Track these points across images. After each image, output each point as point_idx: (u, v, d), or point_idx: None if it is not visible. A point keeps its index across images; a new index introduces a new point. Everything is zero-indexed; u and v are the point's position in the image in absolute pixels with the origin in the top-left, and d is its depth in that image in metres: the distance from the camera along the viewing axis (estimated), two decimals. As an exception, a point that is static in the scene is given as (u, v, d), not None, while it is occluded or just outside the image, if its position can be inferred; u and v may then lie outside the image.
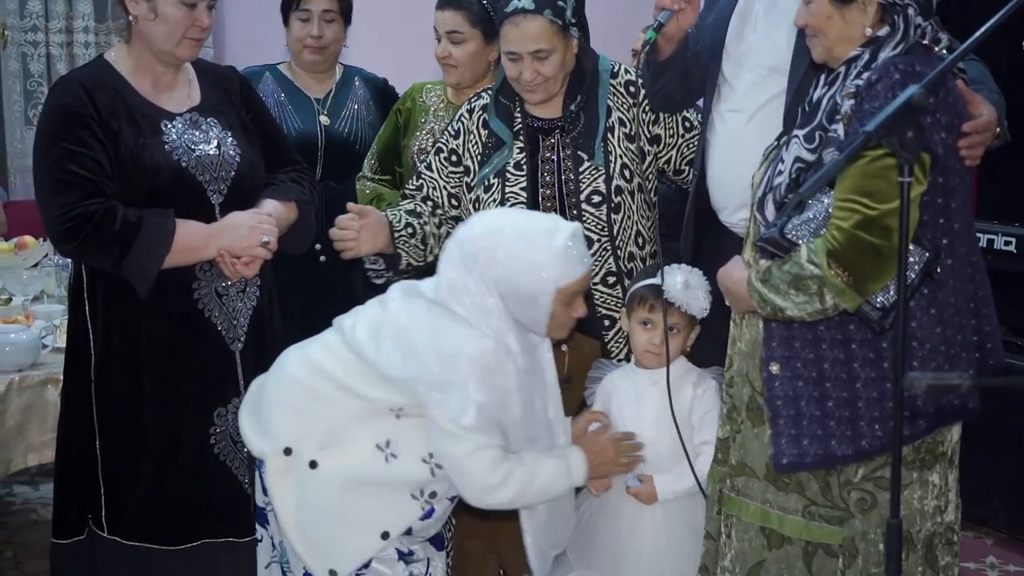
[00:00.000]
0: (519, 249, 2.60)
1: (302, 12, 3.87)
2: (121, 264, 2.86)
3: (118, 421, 3.00)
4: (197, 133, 2.99)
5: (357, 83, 4.03)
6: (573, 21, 3.15)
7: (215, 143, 3.01)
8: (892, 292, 2.36)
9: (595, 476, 2.82)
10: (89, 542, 3.05)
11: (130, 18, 2.95)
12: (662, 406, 2.91)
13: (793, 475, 2.52)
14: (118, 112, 2.92)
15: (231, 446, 3.03)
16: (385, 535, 2.64)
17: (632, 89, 3.26)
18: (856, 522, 2.50)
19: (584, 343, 3.16)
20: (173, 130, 2.97)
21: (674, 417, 2.87)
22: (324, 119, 3.92)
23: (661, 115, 3.28)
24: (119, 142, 2.90)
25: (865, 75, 2.41)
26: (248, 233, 2.97)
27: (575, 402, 3.09)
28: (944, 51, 2.47)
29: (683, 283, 2.93)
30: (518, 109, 3.26)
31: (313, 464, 2.64)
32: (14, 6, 5.33)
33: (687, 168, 3.32)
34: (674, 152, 3.31)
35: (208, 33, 3.02)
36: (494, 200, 3.21)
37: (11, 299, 3.93)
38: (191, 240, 2.92)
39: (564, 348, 3.10)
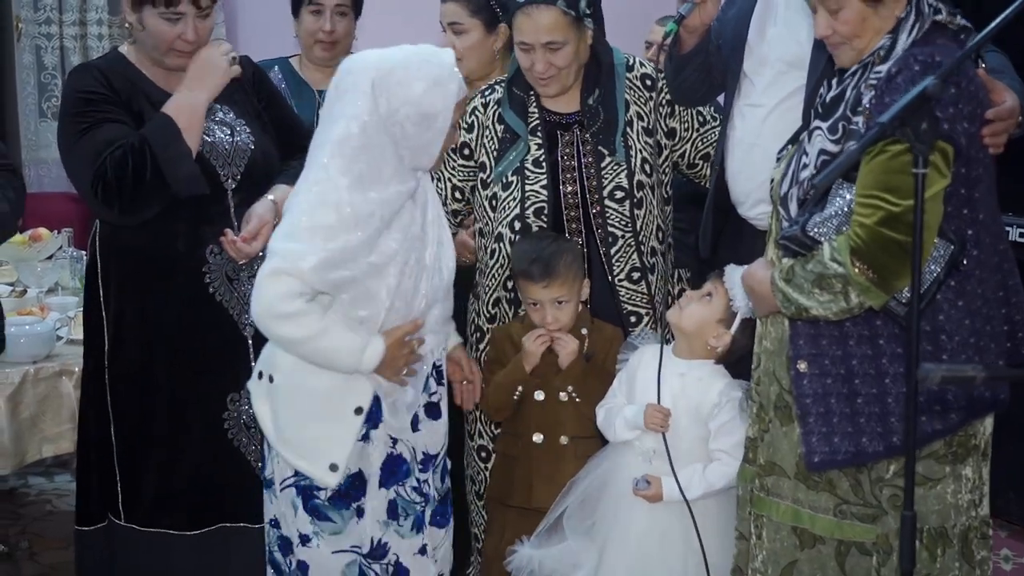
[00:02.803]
0: (419, 66, 2.65)
1: (314, 5, 3.82)
2: (164, 179, 2.86)
3: (132, 408, 3.02)
4: (211, 121, 3.01)
5: None
6: (588, 12, 3.13)
7: (228, 131, 3.03)
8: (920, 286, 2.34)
9: (378, 372, 2.72)
10: (109, 529, 3.08)
11: (126, 26, 3.01)
12: (684, 400, 2.90)
13: (823, 473, 2.50)
14: (137, 96, 2.96)
15: (244, 432, 3.04)
16: (358, 410, 2.72)
17: (648, 83, 3.25)
18: (889, 519, 2.48)
19: (606, 328, 3.17)
20: None
21: (659, 389, 2.87)
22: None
23: (676, 109, 3.27)
24: (141, 122, 2.93)
25: (885, 67, 2.39)
26: (217, 59, 2.99)
27: (596, 379, 3.11)
28: (959, 24, 2.44)
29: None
30: (533, 103, 3.23)
31: (271, 378, 2.77)
32: (28, -1, 5.35)
33: (701, 162, 3.32)
34: (688, 146, 3.30)
35: (198, 44, 3.00)
36: (514, 198, 3.19)
37: (26, 291, 3.95)
38: (183, 104, 2.92)
39: (584, 331, 3.12)
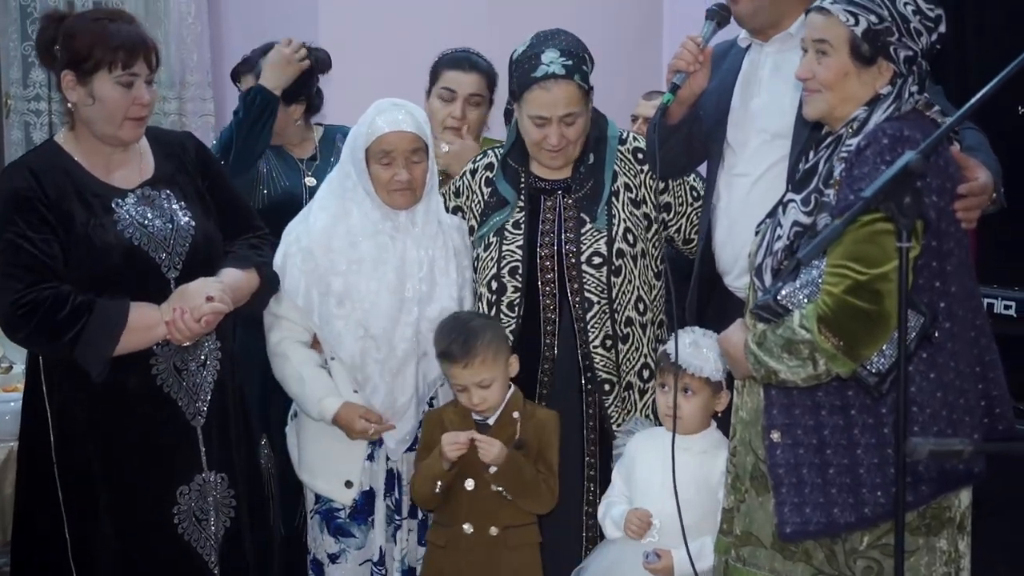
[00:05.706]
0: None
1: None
2: (75, 346, 2.78)
3: (84, 505, 2.89)
4: (150, 209, 2.92)
5: (339, 141, 3.84)
6: (591, 86, 3.18)
7: (168, 217, 2.93)
8: (888, 357, 2.36)
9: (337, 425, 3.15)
10: None
11: (69, 105, 2.89)
12: (691, 474, 2.87)
13: (799, 544, 2.50)
14: (68, 193, 2.85)
15: (195, 525, 2.94)
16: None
17: (640, 156, 3.27)
18: (863, 591, 2.48)
19: (539, 412, 3.12)
20: (124, 208, 2.89)
21: (674, 484, 2.82)
22: (310, 180, 3.83)
23: (670, 183, 3.28)
24: (71, 223, 2.83)
25: (856, 140, 2.43)
26: (193, 295, 2.88)
27: (530, 468, 3.05)
28: (938, 115, 2.49)
29: (691, 344, 2.93)
30: (523, 170, 3.27)
31: (295, 413, 3.30)
32: (17, 75, 5.35)
33: (696, 237, 3.31)
34: (684, 221, 3.31)
35: (150, 109, 2.93)
36: (491, 258, 3.23)
37: (12, 367, 3.93)
38: (145, 318, 2.84)
39: (516, 415, 3.07)
